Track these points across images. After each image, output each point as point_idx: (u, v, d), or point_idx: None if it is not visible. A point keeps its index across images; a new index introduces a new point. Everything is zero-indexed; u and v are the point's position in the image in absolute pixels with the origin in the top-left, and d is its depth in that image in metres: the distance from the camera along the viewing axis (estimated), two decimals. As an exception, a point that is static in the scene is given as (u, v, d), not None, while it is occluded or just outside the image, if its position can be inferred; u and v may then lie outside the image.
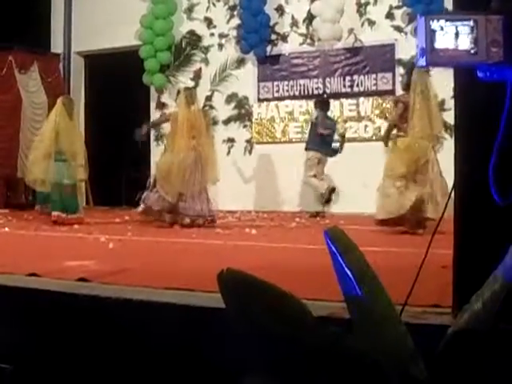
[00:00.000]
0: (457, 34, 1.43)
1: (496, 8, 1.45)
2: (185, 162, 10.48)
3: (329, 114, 13.18)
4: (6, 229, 10.35)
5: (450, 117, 9.05)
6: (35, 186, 11.77)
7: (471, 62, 1.45)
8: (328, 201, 12.36)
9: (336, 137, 12.91)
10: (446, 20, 1.43)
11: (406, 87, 9.64)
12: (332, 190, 12.35)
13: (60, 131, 11.28)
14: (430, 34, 1.44)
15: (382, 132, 13.28)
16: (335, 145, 12.77)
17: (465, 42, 1.43)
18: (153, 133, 15.80)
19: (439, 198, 9.11)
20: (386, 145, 10.06)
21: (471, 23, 1.42)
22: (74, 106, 12.30)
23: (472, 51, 1.43)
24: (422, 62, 1.45)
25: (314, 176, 12.53)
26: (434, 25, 1.44)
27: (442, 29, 1.44)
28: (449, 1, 9.33)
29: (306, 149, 12.74)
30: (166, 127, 14.55)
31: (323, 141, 12.53)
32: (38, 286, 4.74)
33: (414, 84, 9.40)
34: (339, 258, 1.93)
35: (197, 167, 10.58)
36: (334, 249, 1.94)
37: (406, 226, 9.28)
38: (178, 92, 11.12)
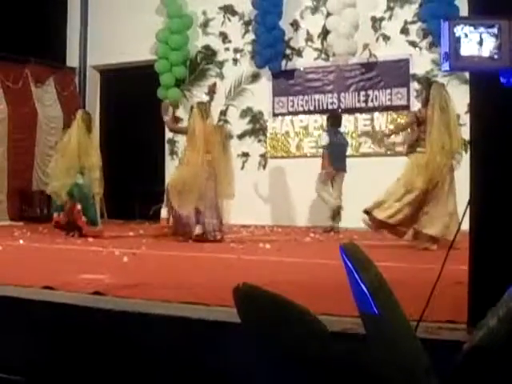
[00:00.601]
0: (480, 39, 1.42)
1: None
2: (199, 177, 10.46)
3: (342, 129, 13.18)
4: (21, 241, 10.38)
5: (464, 132, 9.02)
6: (58, 200, 11.73)
7: (494, 66, 1.45)
8: (334, 217, 12.29)
9: (348, 152, 12.92)
10: (470, 25, 1.43)
11: (426, 102, 9.55)
12: (338, 208, 12.32)
13: (80, 146, 11.36)
14: (454, 39, 1.43)
15: (395, 147, 13.33)
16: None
17: (488, 47, 1.42)
18: (167, 147, 15.85)
19: (448, 218, 9.09)
20: (383, 139, 10.09)
21: (495, 28, 1.42)
22: (93, 120, 12.35)
23: (495, 56, 1.42)
24: (446, 66, 1.45)
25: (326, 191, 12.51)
26: (458, 29, 1.44)
27: (465, 33, 1.43)
28: (464, 14, 9.33)
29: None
30: (180, 142, 14.63)
31: (336, 156, 12.50)
32: (52, 299, 4.75)
33: (433, 99, 9.35)
34: (355, 274, 1.93)
35: (211, 182, 10.57)
36: (349, 264, 1.94)
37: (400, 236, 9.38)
38: (192, 107, 11.11)
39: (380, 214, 9.45)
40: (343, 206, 12.40)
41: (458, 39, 1.43)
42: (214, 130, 11.01)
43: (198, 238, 10.39)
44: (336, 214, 12.29)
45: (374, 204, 9.56)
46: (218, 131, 11.41)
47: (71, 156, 11.37)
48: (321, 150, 13.09)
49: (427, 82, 10.52)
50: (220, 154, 10.88)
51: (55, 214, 11.84)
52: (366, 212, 9.56)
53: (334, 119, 13.08)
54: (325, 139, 12.65)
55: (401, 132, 10.07)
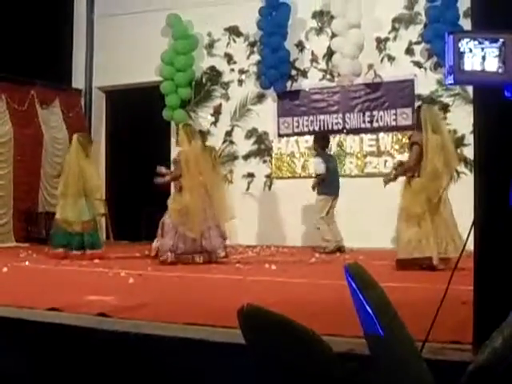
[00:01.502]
0: (484, 53, 1.42)
1: None
2: (198, 199, 10.50)
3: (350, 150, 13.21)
4: (27, 263, 10.39)
5: (469, 152, 9.03)
6: (69, 228, 11.66)
7: (499, 81, 1.45)
8: (331, 253, 12.22)
9: (354, 172, 12.88)
10: (474, 39, 1.43)
11: (418, 126, 9.54)
12: (339, 249, 12.26)
13: (79, 169, 11.40)
14: (458, 52, 1.43)
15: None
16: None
17: (493, 61, 1.42)
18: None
19: (455, 238, 9.04)
20: (388, 183, 10.00)
21: (499, 42, 1.42)
22: (91, 142, 12.42)
23: (500, 70, 1.42)
24: (450, 79, 1.45)
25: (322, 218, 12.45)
26: (462, 43, 1.44)
27: (469, 48, 1.43)
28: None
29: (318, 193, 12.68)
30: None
31: (332, 182, 12.46)
32: (58, 320, 4.75)
33: (425, 122, 9.35)
34: (359, 295, 1.93)
35: (207, 203, 10.60)
36: (354, 285, 1.94)
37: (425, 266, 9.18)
38: (178, 130, 11.13)
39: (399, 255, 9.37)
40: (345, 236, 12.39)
41: (463, 53, 1.43)
42: (202, 150, 11.03)
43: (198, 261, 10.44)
44: (336, 250, 12.20)
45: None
46: (206, 151, 11.46)
47: (70, 181, 11.41)
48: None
49: (418, 106, 10.51)
50: (211, 174, 10.89)
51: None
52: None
53: (324, 141, 13.03)
54: (320, 167, 12.56)
55: (406, 172, 9.99)
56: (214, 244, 10.57)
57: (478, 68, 1.43)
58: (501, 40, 1.41)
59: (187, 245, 10.48)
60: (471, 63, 1.43)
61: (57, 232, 11.64)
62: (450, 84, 1.40)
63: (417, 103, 13.32)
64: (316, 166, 12.74)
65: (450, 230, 9.09)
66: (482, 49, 1.44)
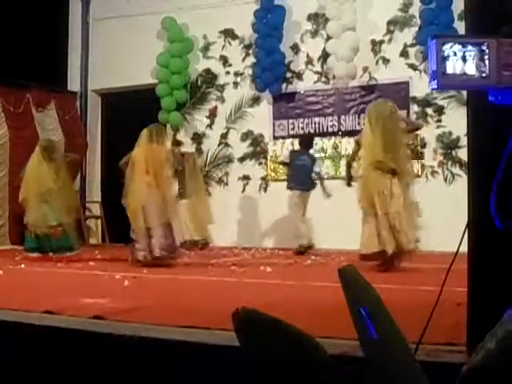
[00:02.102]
0: (468, 58, 1.43)
1: (507, 32, 1.46)
2: (144, 198, 10.58)
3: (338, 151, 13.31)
4: (22, 265, 10.40)
5: (464, 154, 9.04)
6: (38, 230, 11.75)
7: (483, 85, 1.46)
8: (301, 253, 12.31)
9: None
10: (458, 43, 1.44)
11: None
12: (309, 247, 12.40)
13: (39, 175, 11.63)
14: (442, 57, 1.44)
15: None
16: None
17: (476, 66, 1.43)
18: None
19: (407, 231, 9.13)
20: (349, 184, 10.20)
21: (483, 47, 1.43)
22: (56, 147, 12.68)
23: (483, 74, 1.43)
24: (434, 84, 1.46)
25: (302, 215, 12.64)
26: (446, 48, 1.45)
27: (453, 52, 1.44)
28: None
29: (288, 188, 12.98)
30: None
31: (299, 177, 12.63)
32: (52, 323, 4.75)
33: (369, 115, 9.42)
34: (353, 297, 1.94)
35: (157, 203, 10.61)
36: (347, 288, 1.95)
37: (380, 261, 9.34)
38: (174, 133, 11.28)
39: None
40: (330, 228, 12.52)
41: (446, 57, 1.44)
42: (162, 152, 11.03)
43: (152, 260, 10.46)
44: (305, 250, 12.35)
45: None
46: (169, 154, 11.61)
47: (32, 187, 11.65)
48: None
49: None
50: (164, 178, 10.97)
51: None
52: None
53: (306, 141, 13.24)
54: (285, 155, 13.13)
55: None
56: (160, 243, 10.54)
57: (462, 72, 1.43)
58: (484, 44, 1.42)
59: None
60: (455, 67, 1.44)
61: (27, 235, 11.86)
62: (434, 89, 1.41)
63: (412, 106, 13.35)
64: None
65: (403, 223, 9.14)
66: (466, 53, 1.44)
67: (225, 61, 15.42)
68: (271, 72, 14.41)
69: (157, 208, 10.58)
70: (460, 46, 1.43)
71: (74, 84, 17.00)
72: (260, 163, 15.02)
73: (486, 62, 1.41)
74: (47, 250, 11.47)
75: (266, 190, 14.94)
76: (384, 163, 9.15)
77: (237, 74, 15.29)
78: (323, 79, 14.53)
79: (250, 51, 15.07)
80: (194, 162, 13.81)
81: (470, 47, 1.43)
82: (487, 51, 1.42)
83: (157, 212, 10.57)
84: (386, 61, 13.86)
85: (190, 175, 13.37)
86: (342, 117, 14.32)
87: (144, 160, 10.69)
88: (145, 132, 10.94)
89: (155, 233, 10.52)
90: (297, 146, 13.98)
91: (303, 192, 12.67)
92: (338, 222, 12.64)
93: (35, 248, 11.55)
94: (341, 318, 2.63)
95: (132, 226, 10.71)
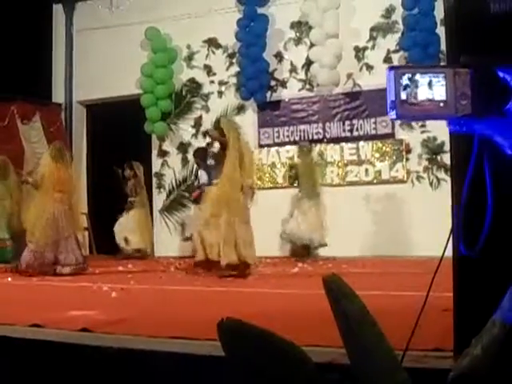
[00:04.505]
0: (427, 87, 1.46)
1: (464, 62, 1.49)
2: (50, 214, 11.03)
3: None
4: (9, 279, 10.35)
5: (448, 159, 9.06)
6: None
7: (441, 114, 1.49)
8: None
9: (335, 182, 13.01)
10: (416, 73, 1.46)
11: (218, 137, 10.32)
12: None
13: None
14: (400, 87, 1.47)
15: (381, 176, 13.47)
16: None
17: (435, 95, 1.46)
18: (154, 181, 15.86)
19: (241, 245, 9.76)
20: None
21: (440, 76, 1.45)
22: (9, 166, 13.34)
23: (441, 104, 1.46)
24: (393, 115, 1.48)
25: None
26: (404, 78, 1.47)
27: (411, 82, 1.47)
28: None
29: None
30: (167, 175, 14.80)
31: None
32: (40, 336, 4.74)
33: (228, 132, 9.97)
34: (338, 306, 1.94)
35: (64, 218, 11.12)
36: (332, 297, 1.96)
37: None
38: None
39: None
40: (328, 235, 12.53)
41: (405, 88, 1.46)
42: (67, 170, 11.40)
43: (65, 273, 10.83)
44: None
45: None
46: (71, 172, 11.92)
47: None
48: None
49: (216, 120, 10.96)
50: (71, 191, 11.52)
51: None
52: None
53: (203, 152, 13.09)
54: (203, 177, 12.54)
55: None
56: (74, 257, 11.03)
57: (420, 102, 1.46)
58: (442, 74, 1.44)
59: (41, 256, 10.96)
60: (413, 97, 1.46)
61: None
62: (393, 119, 1.43)
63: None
64: (200, 177, 13.01)
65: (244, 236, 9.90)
66: (424, 83, 1.47)
67: (209, 70, 15.43)
68: (255, 80, 14.43)
69: (65, 221, 11.10)
70: (418, 76, 1.45)
71: (58, 96, 16.98)
72: (245, 172, 15.01)
73: (444, 91, 1.44)
74: None
75: (251, 198, 14.92)
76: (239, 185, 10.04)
77: (221, 83, 15.31)
78: (307, 87, 14.56)
79: (234, 60, 15.09)
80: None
81: (428, 78, 1.46)
82: (445, 81, 1.45)
83: (64, 225, 11.08)
84: (369, 67, 13.90)
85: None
86: (327, 124, 14.35)
87: (52, 178, 11.13)
88: (47, 152, 11.62)
89: (63, 245, 11.01)
90: (290, 154, 14.05)
91: None
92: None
93: None
94: (328, 325, 2.63)
95: (35, 239, 11.05)
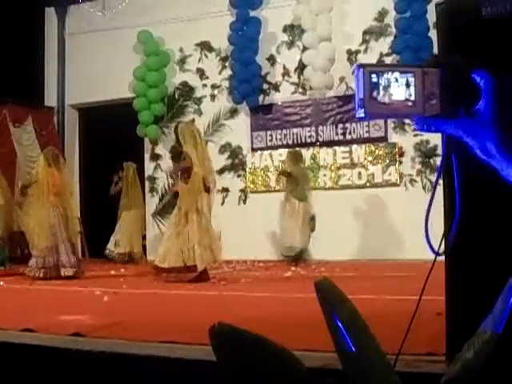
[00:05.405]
0: (394, 86, 1.45)
1: (433, 62, 1.49)
2: (47, 218, 11.14)
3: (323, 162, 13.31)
4: (1, 283, 10.32)
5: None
6: None
7: (409, 113, 1.49)
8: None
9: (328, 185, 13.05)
10: (384, 72, 1.46)
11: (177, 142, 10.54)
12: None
13: None
14: (368, 85, 1.46)
15: (374, 179, 13.48)
16: None
17: (403, 94, 1.46)
18: (147, 184, 15.85)
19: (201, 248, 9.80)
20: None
21: (409, 75, 1.45)
22: None
23: (410, 103, 1.46)
24: (361, 113, 1.47)
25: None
26: (372, 76, 1.47)
27: (380, 81, 1.46)
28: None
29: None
30: (160, 179, 14.79)
31: None
32: (32, 341, 4.72)
33: (183, 138, 10.21)
34: (330, 311, 1.93)
35: (61, 221, 11.25)
36: (324, 301, 1.95)
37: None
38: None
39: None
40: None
41: (373, 86, 1.46)
42: (60, 175, 11.56)
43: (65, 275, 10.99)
44: None
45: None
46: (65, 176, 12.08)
47: None
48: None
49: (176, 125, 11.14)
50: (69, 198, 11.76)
51: None
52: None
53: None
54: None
55: None
56: (62, 259, 11.11)
57: (389, 101, 1.46)
58: (410, 73, 1.44)
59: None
60: (382, 96, 1.46)
61: None
62: (361, 118, 1.43)
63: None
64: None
65: (205, 240, 9.92)
66: (393, 82, 1.47)
67: (201, 73, 15.42)
68: (248, 84, 14.42)
69: (62, 226, 11.21)
70: (387, 75, 1.45)
71: (50, 99, 16.96)
72: (239, 175, 15.02)
73: (412, 91, 1.44)
74: None
75: (245, 201, 14.94)
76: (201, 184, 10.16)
77: (214, 86, 15.30)
78: (300, 90, 14.56)
79: (227, 63, 15.08)
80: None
81: (396, 76, 1.45)
82: (413, 80, 1.45)
83: (61, 230, 11.18)
84: (362, 71, 13.89)
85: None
86: (320, 127, 14.35)
87: (47, 183, 11.26)
88: (41, 157, 11.75)
89: (61, 249, 11.10)
90: (283, 157, 14.05)
91: None
92: (319, 231, 12.66)
93: None
94: (320, 329, 2.63)
95: (36, 244, 11.23)
